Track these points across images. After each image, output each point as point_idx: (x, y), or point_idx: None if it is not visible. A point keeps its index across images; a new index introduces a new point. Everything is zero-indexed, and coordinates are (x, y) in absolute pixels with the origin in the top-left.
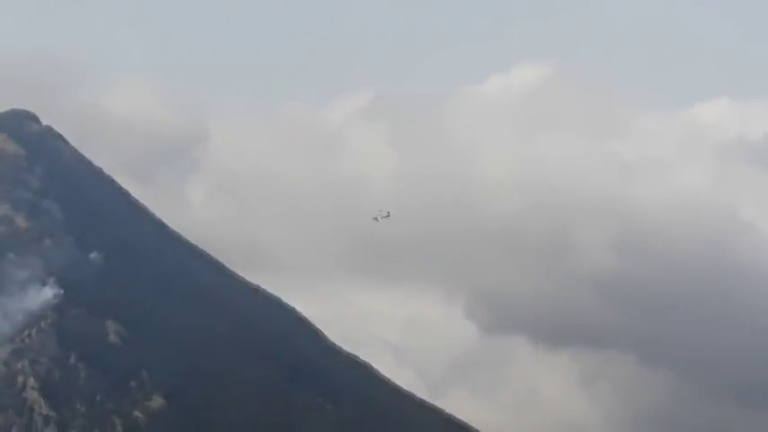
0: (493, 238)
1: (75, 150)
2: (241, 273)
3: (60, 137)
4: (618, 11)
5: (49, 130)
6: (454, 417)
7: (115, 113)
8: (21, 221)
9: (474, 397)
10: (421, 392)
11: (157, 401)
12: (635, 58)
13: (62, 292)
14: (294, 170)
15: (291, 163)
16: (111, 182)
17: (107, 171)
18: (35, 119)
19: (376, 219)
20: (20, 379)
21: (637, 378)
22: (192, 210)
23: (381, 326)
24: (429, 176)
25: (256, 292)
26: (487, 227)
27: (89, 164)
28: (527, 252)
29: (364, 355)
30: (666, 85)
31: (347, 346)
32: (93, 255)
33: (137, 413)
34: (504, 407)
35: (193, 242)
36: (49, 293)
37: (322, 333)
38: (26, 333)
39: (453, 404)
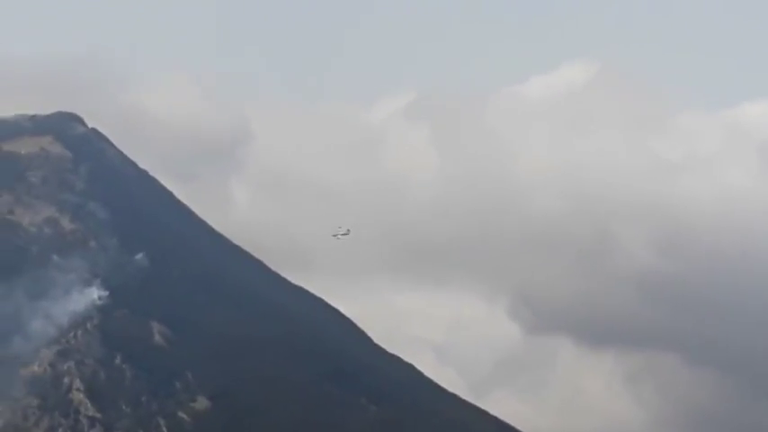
0: (535, 238)
1: (120, 152)
2: (284, 273)
3: (105, 138)
4: (662, 8)
5: (94, 131)
6: (498, 417)
7: (158, 114)
8: (66, 223)
9: (517, 397)
10: (464, 393)
11: (202, 403)
12: (679, 56)
13: (107, 293)
14: (336, 170)
15: (334, 162)
16: (156, 183)
17: (151, 172)
18: (80, 121)
19: (336, 236)
20: (66, 380)
21: (681, 377)
22: (235, 210)
23: (424, 326)
24: (471, 176)
25: (300, 292)
26: (530, 227)
27: (134, 165)
28: (570, 252)
29: (407, 355)
30: (711, 84)
31: (390, 347)
32: (139, 256)
33: (181, 414)
34: (548, 407)
35: (237, 242)
36: (94, 295)
37: (365, 334)
38: (71, 335)
39: (497, 405)
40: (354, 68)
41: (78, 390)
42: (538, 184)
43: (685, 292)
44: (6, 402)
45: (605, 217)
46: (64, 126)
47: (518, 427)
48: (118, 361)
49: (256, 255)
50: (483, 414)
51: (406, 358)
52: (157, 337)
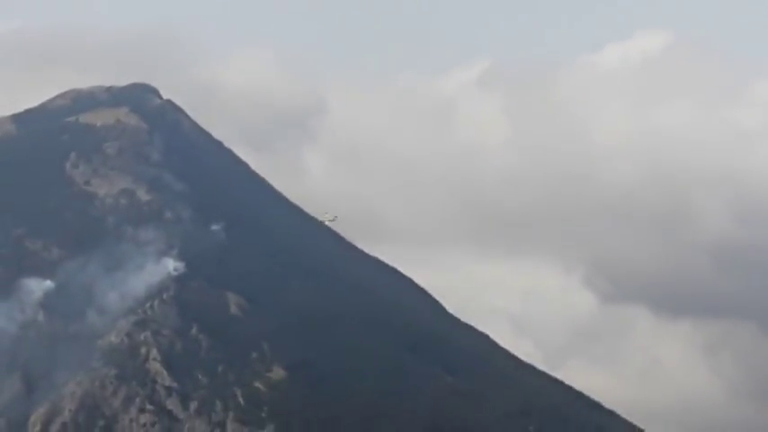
0: (610, 207)
1: (195, 123)
2: (358, 244)
3: (180, 110)
4: None
5: (170, 103)
6: (574, 388)
7: (233, 85)
8: (142, 195)
9: (593, 367)
10: (540, 363)
11: (278, 373)
12: (756, 23)
13: (183, 264)
14: (410, 140)
15: (407, 133)
16: (231, 154)
17: (226, 143)
18: (156, 93)
19: (322, 221)
20: (143, 350)
21: (759, 347)
22: (309, 180)
23: (500, 296)
24: (544, 146)
25: (374, 263)
26: (604, 196)
27: (208, 136)
28: (645, 221)
29: (483, 325)
30: None
31: (466, 317)
32: (214, 227)
33: (258, 384)
34: (625, 377)
35: (312, 213)
36: (170, 266)
37: (440, 304)
38: (148, 305)
39: (572, 375)
40: (427, 39)
41: (155, 360)
42: (613, 153)
43: (763, 261)
44: (84, 372)
45: (681, 186)
46: (140, 98)
47: (594, 398)
48: (194, 331)
49: (330, 224)
50: (559, 384)
51: (482, 329)
52: (233, 308)
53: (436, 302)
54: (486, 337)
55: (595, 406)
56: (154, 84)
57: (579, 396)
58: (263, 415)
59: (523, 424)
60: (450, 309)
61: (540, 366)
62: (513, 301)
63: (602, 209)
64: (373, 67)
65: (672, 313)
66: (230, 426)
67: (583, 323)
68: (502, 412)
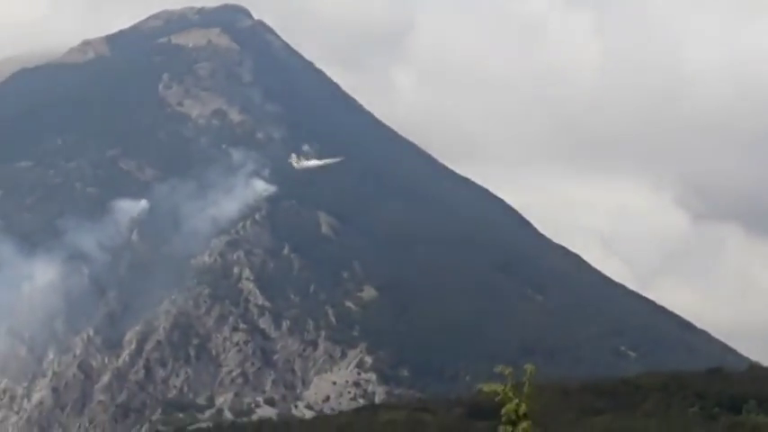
0: (702, 125)
1: (286, 43)
2: (449, 163)
3: (271, 30)
4: None
5: (261, 23)
6: (666, 308)
7: (322, 5)
8: (234, 115)
9: (685, 287)
10: (630, 282)
11: (369, 292)
12: None
13: (275, 184)
14: (500, 59)
15: (496, 51)
16: (322, 74)
17: (317, 63)
18: (247, 13)
19: (293, 163)
20: (235, 270)
21: None
22: (399, 99)
23: (590, 216)
24: (636, 64)
25: (465, 182)
26: (696, 114)
27: (299, 57)
28: (737, 138)
29: (573, 245)
30: None
31: (556, 237)
32: (305, 147)
33: (349, 303)
34: (717, 297)
35: (401, 133)
36: (262, 186)
37: (531, 224)
38: (241, 225)
39: (663, 294)
40: None
41: (248, 279)
42: (706, 71)
43: None
44: (178, 291)
45: None
46: (231, 18)
47: (686, 317)
48: (286, 251)
49: (420, 144)
50: (650, 304)
51: (572, 248)
52: (325, 228)
53: (526, 222)
54: (577, 256)
55: (687, 326)
56: (245, 4)
57: (670, 316)
58: (355, 334)
59: (614, 343)
60: (541, 228)
61: (631, 286)
62: (603, 220)
63: (693, 127)
64: None
65: (765, 231)
66: (322, 344)
67: (674, 242)
68: (593, 331)
